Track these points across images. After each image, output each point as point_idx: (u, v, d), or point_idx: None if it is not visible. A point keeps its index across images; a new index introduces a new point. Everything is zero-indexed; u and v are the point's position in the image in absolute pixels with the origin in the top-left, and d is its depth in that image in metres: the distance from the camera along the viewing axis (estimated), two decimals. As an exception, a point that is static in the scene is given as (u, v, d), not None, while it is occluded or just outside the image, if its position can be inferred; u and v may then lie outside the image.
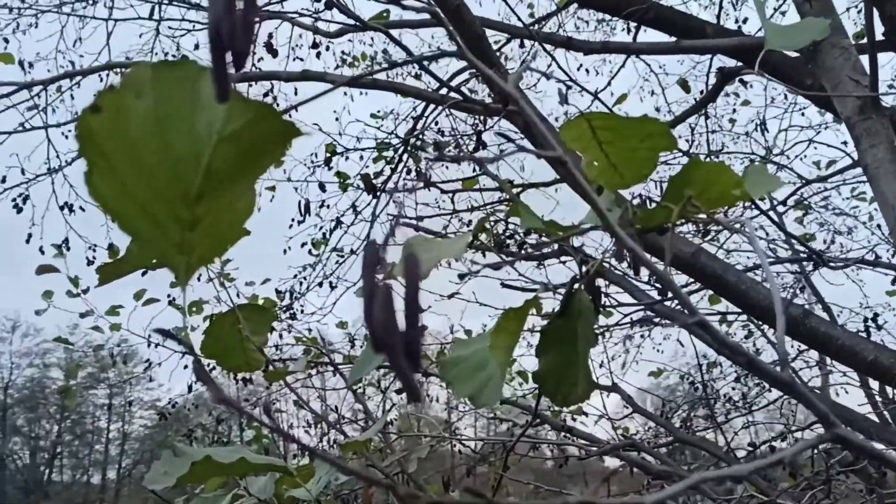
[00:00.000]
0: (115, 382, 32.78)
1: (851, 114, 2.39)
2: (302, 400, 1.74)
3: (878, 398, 3.42)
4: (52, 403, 33.46)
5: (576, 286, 0.92)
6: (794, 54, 2.95)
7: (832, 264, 2.49)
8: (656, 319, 4.00)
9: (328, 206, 4.58)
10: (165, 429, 30.14)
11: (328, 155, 4.05)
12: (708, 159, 4.14)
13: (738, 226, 1.48)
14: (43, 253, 4.28)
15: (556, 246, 3.01)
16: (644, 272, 2.48)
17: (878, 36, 2.81)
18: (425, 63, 2.64)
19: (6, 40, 5.09)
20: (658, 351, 5.60)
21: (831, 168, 4.44)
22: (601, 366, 3.76)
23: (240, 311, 1.50)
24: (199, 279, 4.62)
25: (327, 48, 4.44)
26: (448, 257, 0.69)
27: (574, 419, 3.86)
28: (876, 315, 3.27)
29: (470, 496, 0.44)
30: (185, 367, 5.00)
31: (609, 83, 6.00)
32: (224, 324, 1.49)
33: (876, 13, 2.56)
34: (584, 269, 0.91)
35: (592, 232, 0.97)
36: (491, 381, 0.83)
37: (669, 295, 2.69)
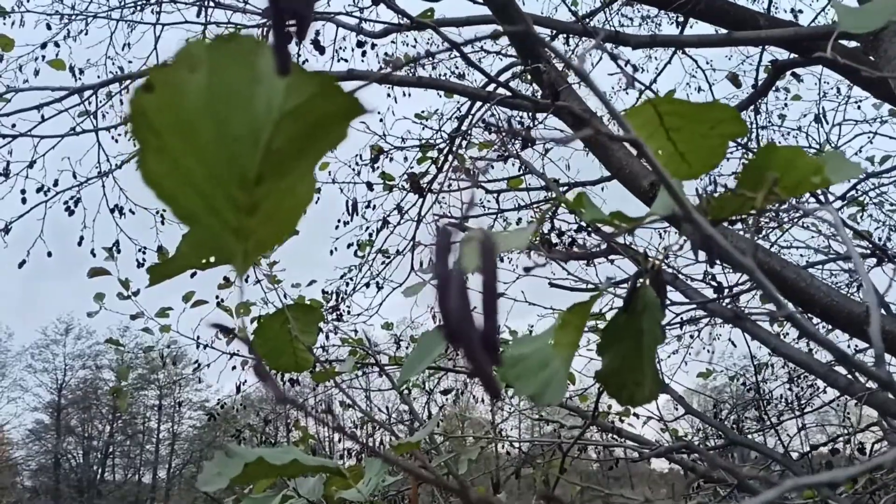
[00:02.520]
0: (165, 384, 33.42)
1: (916, 103, 2.29)
2: (352, 400, 1.72)
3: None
4: (104, 404, 34.16)
5: (640, 280, 0.87)
6: (853, 44, 2.85)
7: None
8: (710, 318, 3.90)
9: (374, 207, 4.57)
10: (214, 429, 30.59)
11: (374, 155, 4.04)
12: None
13: (822, 213, 1.42)
14: (94, 255, 4.34)
15: (604, 245, 2.94)
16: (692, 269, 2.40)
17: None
18: (472, 56, 2.61)
19: (57, 45, 5.18)
20: (707, 351, 5.48)
21: (886, 164, 4.30)
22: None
23: (289, 311, 1.48)
24: (246, 281, 4.67)
25: (372, 46, 4.43)
26: (513, 248, 0.65)
27: (622, 420, 3.79)
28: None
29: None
30: (234, 368, 5.04)
31: (655, 79, 5.90)
32: (274, 324, 1.48)
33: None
34: (649, 262, 0.86)
35: (639, 230, 0.92)
36: (555, 379, 0.79)
37: (724, 293, 2.62)
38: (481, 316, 0.36)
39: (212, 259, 1.03)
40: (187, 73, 0.39)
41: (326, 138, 0.42)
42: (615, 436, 3.15)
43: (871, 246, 2.40)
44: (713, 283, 2.12)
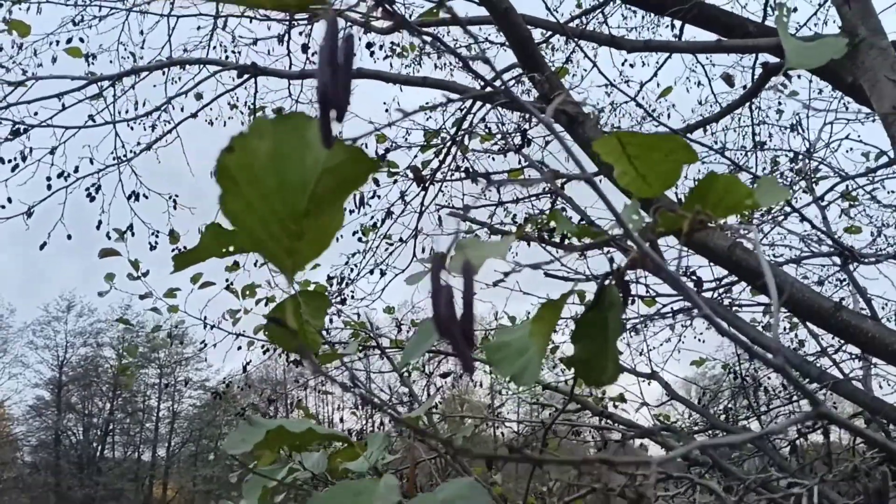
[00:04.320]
0: (166, 363, 33.69)
1: (888, 111, 2.45)
2: (357, 380, 1.89)
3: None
4: (104, 382, 34.45)
5: (607, 281, 1.04)
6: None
7: (864, 260, 2.55)
8: (694, 311, 4.07)
9: (378, 197, 4.73)
10: (214, 408, 30.90)
11: (383, 150, 4.19)
12: (726, 171, 4.20)
13: (743, 232, 1.58)
14: (109, 238, 4.50)
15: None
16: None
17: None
18: (470, 63, 2.76)
19: (74, 26, 5.31)
20: (700, 341, 5.66)
21: (878, 161, 4.44)
22: (641, 354, 3.85)
23: (300, 297, 1.65)
24: (255, 265, 4.82)
25: (381, 47, 4.58)
26: (493, 256, 0.81)
27: (615, 406, 3.96)
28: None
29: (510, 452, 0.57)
30: (239, 348, 5.20)
31: (655, 74, 6.04)
32: (286, 308, 1.65)
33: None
34: (614, 265, 1.03)
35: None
36: (531, 364, 0.96)
37: (705, 287, 2.79)
38: (462, 316, 0.53)
39: (230, 248, 1.22)
40: (258, 140, 0.56)
41: (353, 186, 0.59)
42: (607, 419, 3.31)
43: (838, 246, 2.56)
44: (693, 278, 2.28)
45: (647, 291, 2.99)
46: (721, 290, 2.52)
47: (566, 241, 3.61)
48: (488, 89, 2.76)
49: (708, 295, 3.16)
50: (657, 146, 0.96)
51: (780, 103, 5.64)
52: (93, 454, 34.54)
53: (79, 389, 34.95)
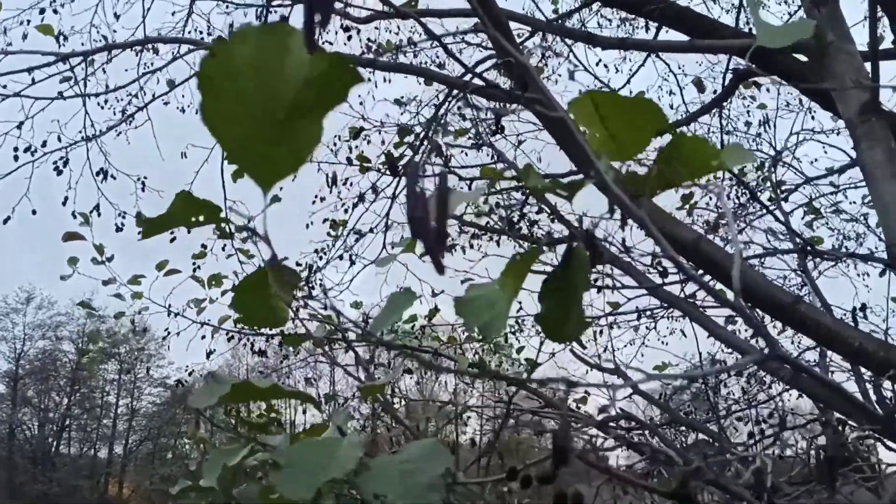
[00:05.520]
0: (126, 358, 33.19)
1: (853, 115, 2.52)
2: (339, 365, 1.89)
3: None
4: (63, 376, 33.86)
5: (575, 241, 1.06)
6: (804, 58, 3.07)
7: (826, 256, 2.61)
8: (666, 309, 4.12)
9: (350, 185, 4.72)
10: (173, 406, 30.50)
11: (353, 134, 4.19)
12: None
13: (713, 188, 1.62)
14: (75, 217, 4.44)
15: (567, 232, 3.13)
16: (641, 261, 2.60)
17: (888, 44, 2.93)
18: (450, 47, 2.78)
19: (43, 11, 5.26)
20: (663, 343, 5.72)
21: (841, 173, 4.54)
22: (605, 350, 3.89)
23: (269, 270, 1.64)
24: (223, 249, 4.78)
25: (358, 32, 4.58)
26: (468, 200, 0.83)
27: (579, 407, 3.99)
28: (864, 305, 3.39)
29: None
30: (203, 337, 5.14)
31: (629, 80, 6.11)
32: (254, 281, 1.64)
33: (888, 24, 2.67)
34: (582, 224, 1.04)
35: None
36: (498, 316, 0.97)
37: (670, 279, 2.83)
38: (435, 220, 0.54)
39: (200, 218, 1.22)
40: (240, 45, 0.57)
41: (333, 97, 0.60)
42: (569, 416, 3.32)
43: (801, 241, 2.62)
44: (659, 268, 2.31)
45: (613, 284, 3.02)
46: (684, 282, 2.57)
47: (532, 232, 3.64)
48: (467, 78, 2.78)
49: (675, 288, 3.20)
50: (630, 108, 0.98)
51: (748, 113, 5.74)
52: (48, 449, 33.90)
53: (36, 383, 34.29)
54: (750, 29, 5.01)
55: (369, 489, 1.16)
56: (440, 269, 0.53)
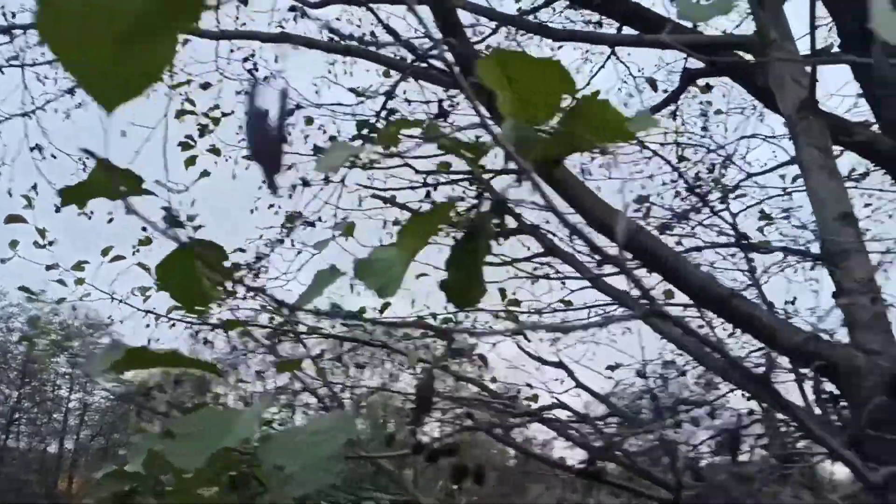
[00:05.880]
0: (80, 352, 32.53)
1: (792, 112, 2.54)
2: (281, 358, 1.85)
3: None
4: (12, 369, 33.09)
5: (480, 210, 1.04)
6: (750, 57, 3.11)
7: (761, 250, 2.64)
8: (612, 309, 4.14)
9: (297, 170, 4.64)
10: (126, 401, 29.98)
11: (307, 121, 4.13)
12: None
13: (610, 153, 1.61)
14: (11, 196, 4.33)
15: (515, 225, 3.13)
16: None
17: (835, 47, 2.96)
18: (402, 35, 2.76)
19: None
20: (613, 341, 5.75)
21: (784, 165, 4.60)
22: (551, 344, 3.90)
23: (195, 246, 1.60)
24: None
25: (303, 15, 4.53)
26: (330, 165, 0.80)
27: (529, 406, 3.99)
28: (795, 299, 3.44)
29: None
30: (147, 326, 5.05)
31: (588, 84, 6.14)
32: (178, 258, 1.59)
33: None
34: (488, 194, 1.02)
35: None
36: (394, 276, 0.95)
37: (607, 269, 2.83)
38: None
39: (122, 188, 1.18)
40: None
41: (188, 16, 0.57)
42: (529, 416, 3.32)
43: (737, 235, 2.65)
44: (597, 257, 2.31)
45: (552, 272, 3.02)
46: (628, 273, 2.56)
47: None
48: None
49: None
50: (536, 70, 0.96)
51: (704, 115, 5.80)
52: (-4, 444, 33.11)
53: (-17, 376, 33.47)
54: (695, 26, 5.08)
55: (269, 460, 1.13)
56: (274, 189, 0.50)
